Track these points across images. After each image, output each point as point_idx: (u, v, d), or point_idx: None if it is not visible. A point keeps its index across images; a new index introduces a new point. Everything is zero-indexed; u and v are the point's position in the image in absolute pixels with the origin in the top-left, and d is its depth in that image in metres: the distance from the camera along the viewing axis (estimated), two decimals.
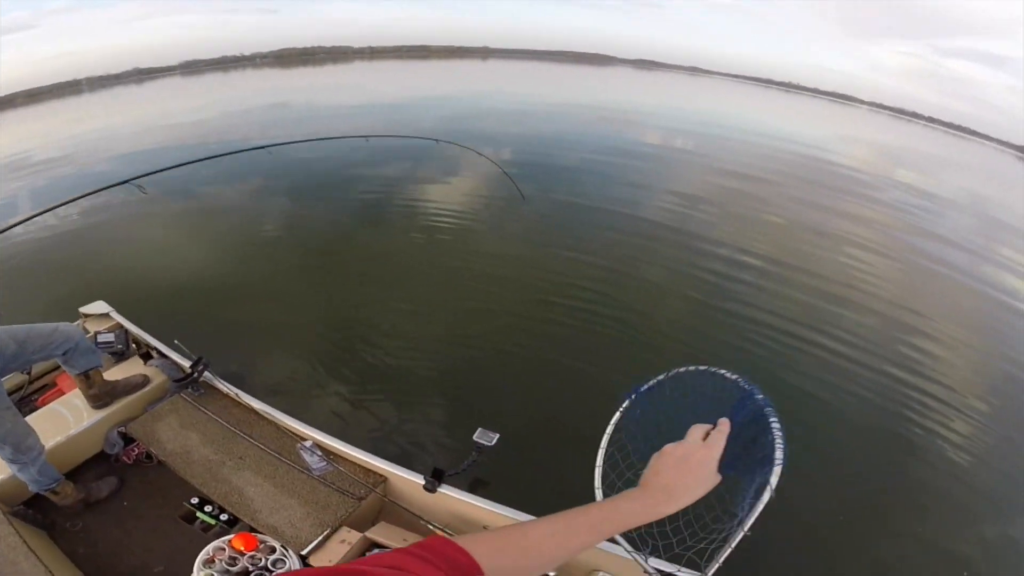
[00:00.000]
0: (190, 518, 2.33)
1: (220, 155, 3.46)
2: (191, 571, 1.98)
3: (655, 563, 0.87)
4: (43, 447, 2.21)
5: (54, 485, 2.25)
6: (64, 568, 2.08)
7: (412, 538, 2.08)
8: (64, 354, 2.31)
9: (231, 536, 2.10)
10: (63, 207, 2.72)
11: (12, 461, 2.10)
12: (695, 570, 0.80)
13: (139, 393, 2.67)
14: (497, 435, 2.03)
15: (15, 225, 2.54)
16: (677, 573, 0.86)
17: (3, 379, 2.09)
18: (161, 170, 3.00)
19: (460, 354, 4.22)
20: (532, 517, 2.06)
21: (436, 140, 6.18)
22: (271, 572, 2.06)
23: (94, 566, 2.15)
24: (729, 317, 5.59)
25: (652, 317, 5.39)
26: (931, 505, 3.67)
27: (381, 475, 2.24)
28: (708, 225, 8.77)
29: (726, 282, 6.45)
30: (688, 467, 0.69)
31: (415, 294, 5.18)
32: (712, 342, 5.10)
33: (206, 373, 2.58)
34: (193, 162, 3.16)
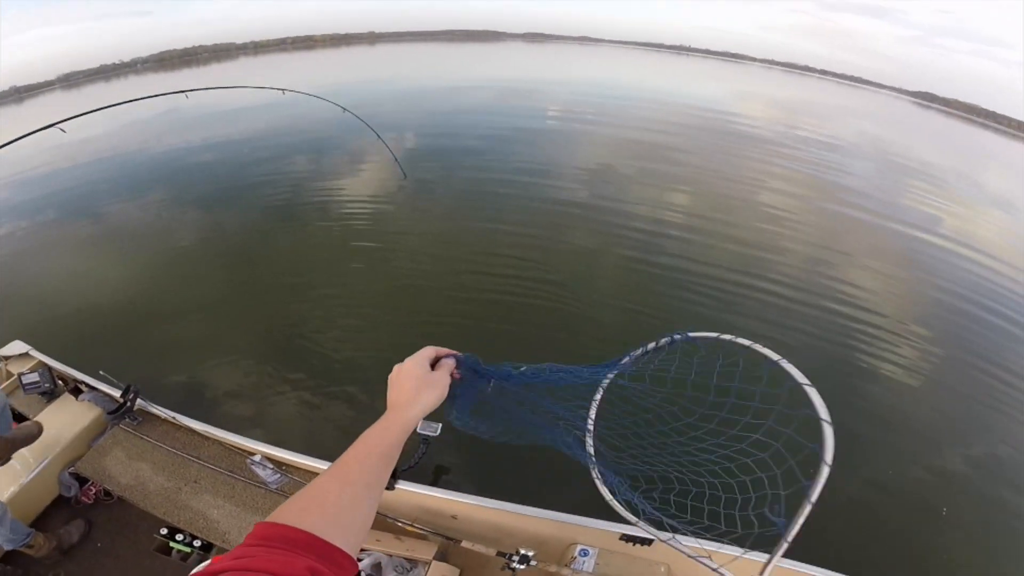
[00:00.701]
0: (165, 549, 2.28)
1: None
2: None
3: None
4: (5, 506, 2.09)
5: (27, 539, 2.17)
6: None
7: (385, 538, 2.04)
8: None
9: (208, 562, 2.04)
10: None
11: None
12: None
13: (80, 430, 2.51)
14: (440, 424, 1.88)
15: None
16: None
17: None
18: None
19: (392, 341, 4.03)
20: (493, 500, 1.98)
21: (283, 90, 5.50)
22: None
23: None
24: (662, 272, 5.48)
25: (585, 281, 5.21)
26: (894, 432, 3.66)
27: None
28: (623, 186, 8.41)
29: (653, 238, 6.27)
30: (398, 381, 0.80)
31: (339, 286, 4.89)
32: (649, 298, 4.98)
33: (139, 400, 2.40)
34: None
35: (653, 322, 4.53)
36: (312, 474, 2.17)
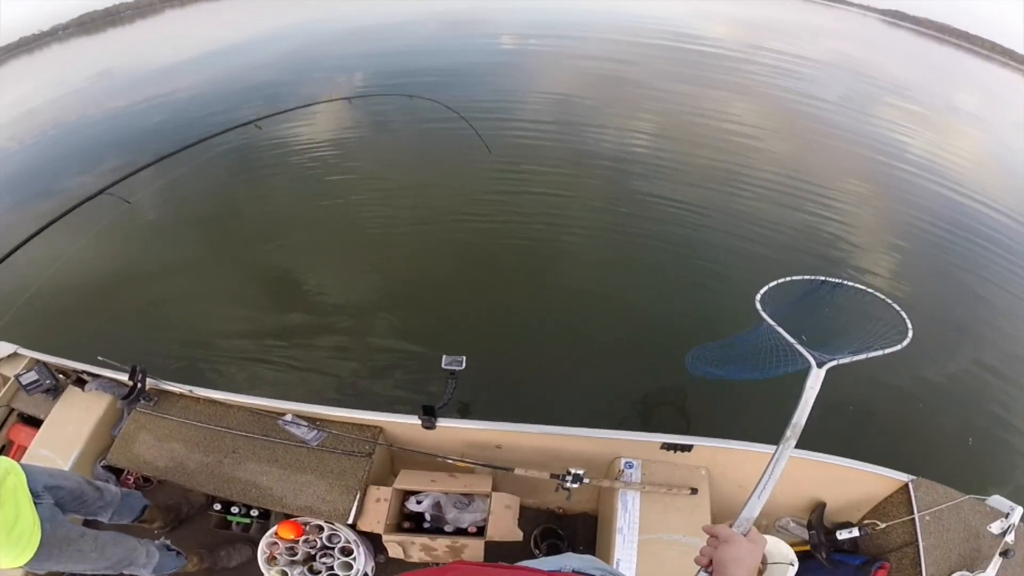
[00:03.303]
0: (224, 524, 2.19)
1: (208, 137, 2.65)
2: (255, 574, 1.91)
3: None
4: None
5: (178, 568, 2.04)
6: None
7: (439, 477, 1.99)
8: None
9: (274, 529, 1.97)
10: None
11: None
12: None
13: (97, 420, 2.35)
14: (464, 357, 1.92)
15: None
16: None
17: None
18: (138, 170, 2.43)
19: (401, 286, 3.84)
20: (534, 425, 1.85)
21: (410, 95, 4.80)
22: (332, 547, 1.98)
23: None
24: (636, 202, 5.14)
25: (564, 214, 4.84)
26: None
27: (377, 427, 2.02)
28: (591, 116, 7.50)
29: (624, 169, 5.77)
30: None
31: (334, 242, 4.50)
32: (620, 226, 4.74)
33: (148, 380, 2.17)
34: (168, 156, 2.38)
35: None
36: (351, 425, 2.01)
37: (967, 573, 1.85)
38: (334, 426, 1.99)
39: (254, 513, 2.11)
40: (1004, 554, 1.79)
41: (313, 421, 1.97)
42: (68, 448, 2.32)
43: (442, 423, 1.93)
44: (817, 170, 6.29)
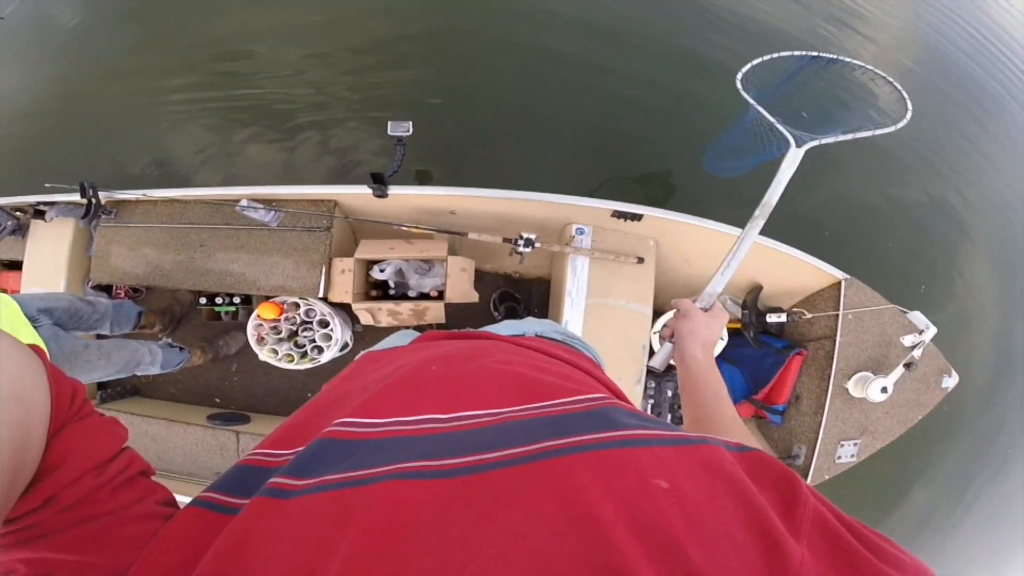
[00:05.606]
0: (215, 316, 2.41)
1: None
2: (254, 356, 2.14)
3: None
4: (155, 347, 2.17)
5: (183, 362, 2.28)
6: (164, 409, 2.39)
7: (397, 245, 2.07)
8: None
9: (256, 311, 2.17)
10: None
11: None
12: None
13: (69, 246, 2.45)
14: (410, 122, 1.83)
15: None
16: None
17: None
18: None
19: (342, 50, 3.23)
20: (485, 189, 1.89)
21: None
22: (311, 321, 2.20)
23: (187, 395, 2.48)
24: None
25: None
26: None
27: (331, 200, 2.08)
28: None
29: None
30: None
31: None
32: None
33: (100, 193, 2.21)
34: None
35: None
36: (305, 202, 2.09)
37: (870, 374, 1.97)
38: (289, 204, 2.07)
39: (236, 300, 2.33)
40: (908, 366, 1.89)
41: (268, 203, 2.04)
42: (54, 279, 2.44)
43: (394, 191, 1.97)
44: None
